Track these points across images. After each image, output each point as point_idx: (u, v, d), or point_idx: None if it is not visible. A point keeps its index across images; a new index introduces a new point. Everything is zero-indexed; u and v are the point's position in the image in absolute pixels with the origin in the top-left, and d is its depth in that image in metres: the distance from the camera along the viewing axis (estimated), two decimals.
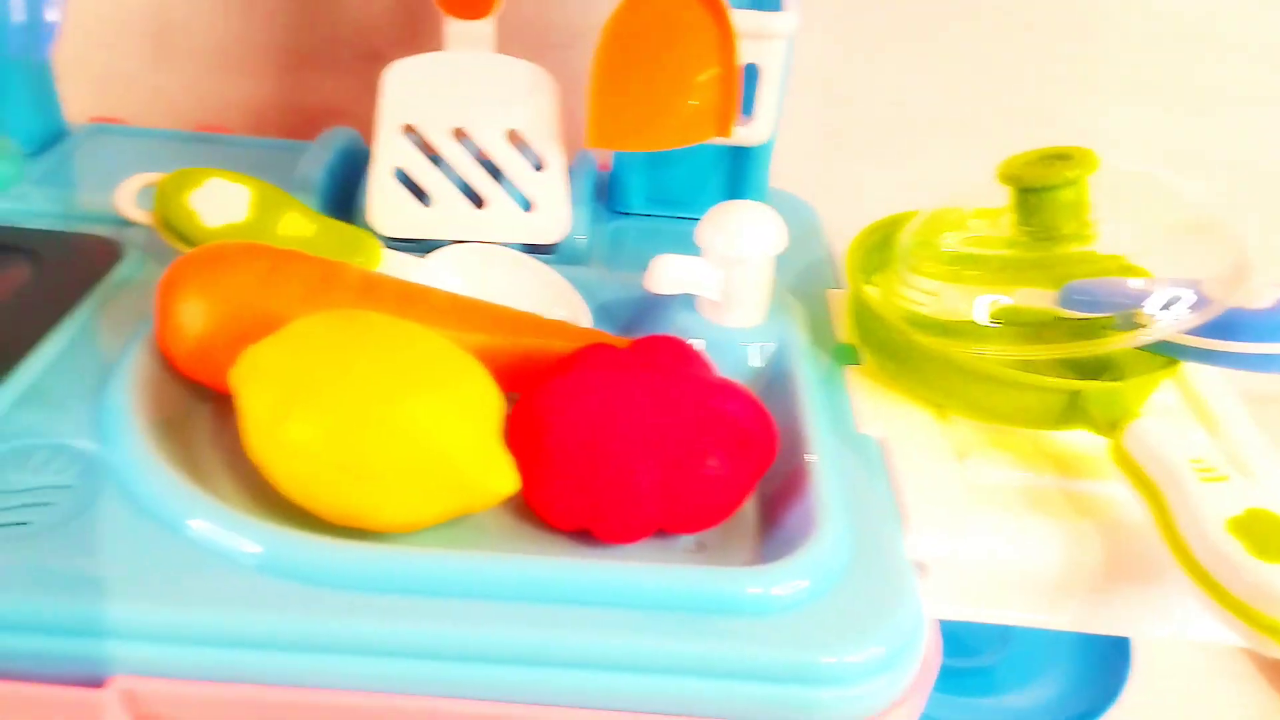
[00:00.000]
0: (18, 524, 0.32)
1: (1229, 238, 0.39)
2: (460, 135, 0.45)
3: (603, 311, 0.46)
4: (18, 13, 0.44)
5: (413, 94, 0.44)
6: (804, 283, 0.50)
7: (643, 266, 0.42)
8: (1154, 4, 0.61)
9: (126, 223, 0.46)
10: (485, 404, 0.34)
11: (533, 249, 0.48)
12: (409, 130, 0.45)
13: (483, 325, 0.39)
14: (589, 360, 0.37)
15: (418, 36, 0.67)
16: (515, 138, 0.45)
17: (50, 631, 0.30)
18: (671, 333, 0.41)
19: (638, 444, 0.34)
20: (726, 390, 0.36)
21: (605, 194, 0.56)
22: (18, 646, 0.30)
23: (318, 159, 0.51)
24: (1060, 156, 0.40)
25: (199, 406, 0.39)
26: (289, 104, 0.69)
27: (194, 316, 0.37)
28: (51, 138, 0.55)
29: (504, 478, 0.33)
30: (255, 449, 0.33)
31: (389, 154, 0.45)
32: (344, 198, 0.51)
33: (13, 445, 0.35)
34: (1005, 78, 0.64)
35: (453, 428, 0.33)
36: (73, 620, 0.30)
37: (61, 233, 0.46)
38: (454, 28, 0.42)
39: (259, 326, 0.36)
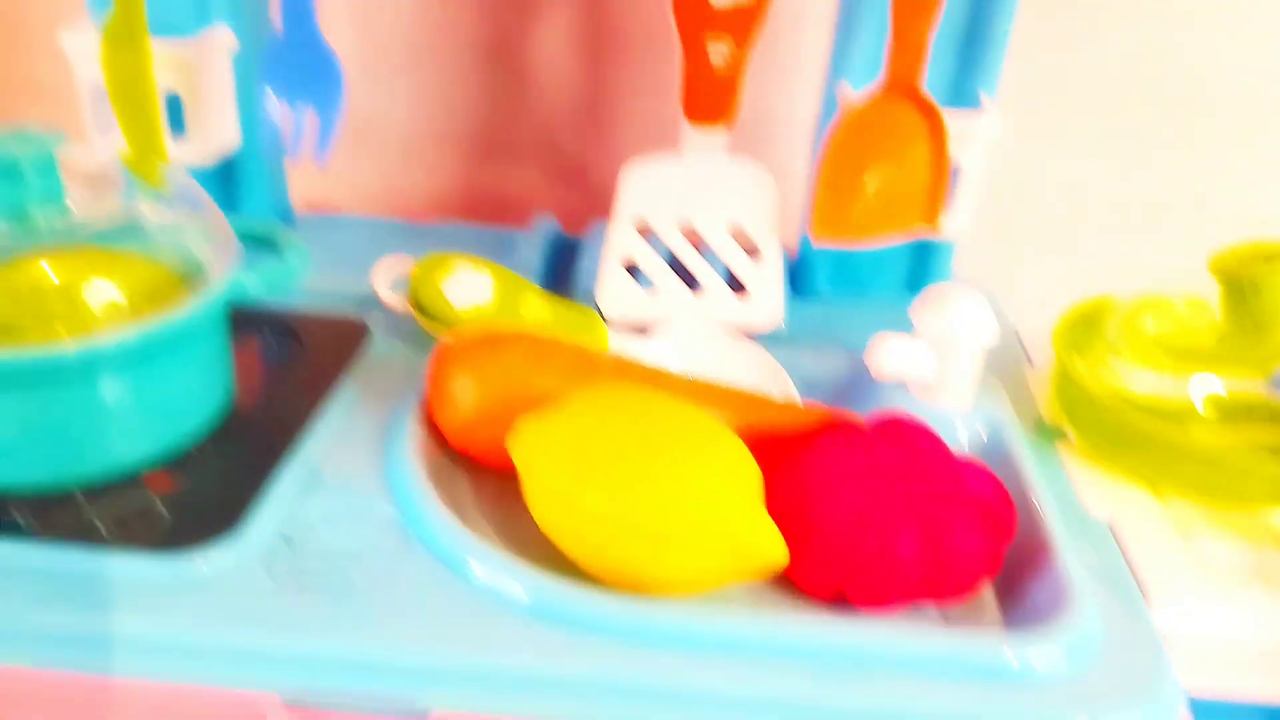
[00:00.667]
0: (339, 579, 0.35)
1: None
2: (686, 227, 0.49)
3: (807, 386, 0.48)
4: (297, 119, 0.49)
5: (648, 190, 0.47)
6: (994, 365, 0.52)
7: (834, 345, 0.45)
8: None
9: (367, 303, 0.51)
10: (752, 476, 0.37)
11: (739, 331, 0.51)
12: (640, 223, 0.48)
13: (723, 403, 0.42)
14: (839, 437, 0.39)
15: (597, 130, 0.72)
16: (735, 229, 0.49)
17: (372, 670, 0.33)
18: (903, 413, 0.44)
19: (896, 516, 0.36)
20: (970, 468, 0.38)
21: (793, 277, 0.59)
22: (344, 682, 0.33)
23: (536, 245, 0.55)
24: (1274, 254, 0.43)
25: (457, 475, 0.43)
26: (474, 190, 0.74)
27: (467, 393, 0.41)
28: (282, 220, 0.61)
29: (777, 548, 0.36)
30: (546, 514, 0.37)
31: (621, 244, 0.48)
32: (558, 280, 0.55)
33: (322, 506, 0.38)
34: (1175, 165, 0.66)
35: (732, 499, 0.36)
36: (391, 661, 0.33)
37: (316, 315, 0.50)
38: (691, 134, 0.46)
39: (524, 403, 0.40)
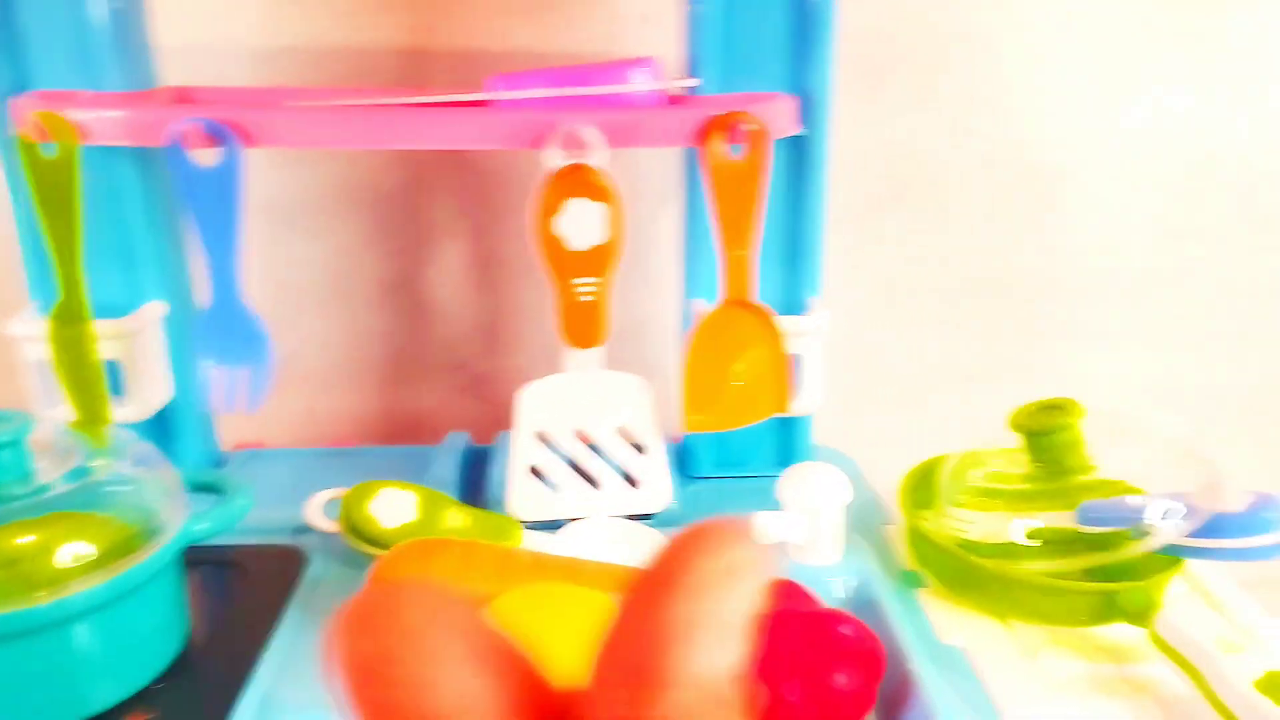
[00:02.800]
0: None
1: (1202, 457, 0.51)
2: (579, 434, 0.56)
3: None
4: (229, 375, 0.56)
5: (542, 407, 0.55)
6: (860, 523, 0.60)
7: None
8: (1113, 273, 0.76)
9: (301, 531, 0.56)
10: None
11: (635, 517, 0.58)
12: (540, 435, 0.56)
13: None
14: None
15: (495, 347, 0.80)
16: (622, 429, 0.57)
17: None
18: (779, 577, 0.51)
19: (780, 670, 0.43)
20: (839, 617, 0.45)
21: (679, 463, 0.67)
22: None
23: (448, 461, 0.62)
24: (1055, 406, 0.52)
25: None
26: (391, 412, 0.81)
27: None
28: (215, 465, 0.66)
29: None
30: None
31: (524, 454, 0.56)
32: (472, 490, 0.62)
33: None
34: (998, 335, 0.78)
35: None
36: None
37: (255, 546, 0.55)
38: (571, 354, 0.54)
39: None
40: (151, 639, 0.45)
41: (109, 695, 0.43)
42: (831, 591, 0.52)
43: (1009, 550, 0.52)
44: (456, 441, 0.65)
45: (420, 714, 0.15)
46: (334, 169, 0.75)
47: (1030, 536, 0.51)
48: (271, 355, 0.55)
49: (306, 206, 0.75)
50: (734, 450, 0.66)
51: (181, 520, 0.46)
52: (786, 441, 0.66)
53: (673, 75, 0.57)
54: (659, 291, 0.75)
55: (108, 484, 0.45)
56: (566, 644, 0.42)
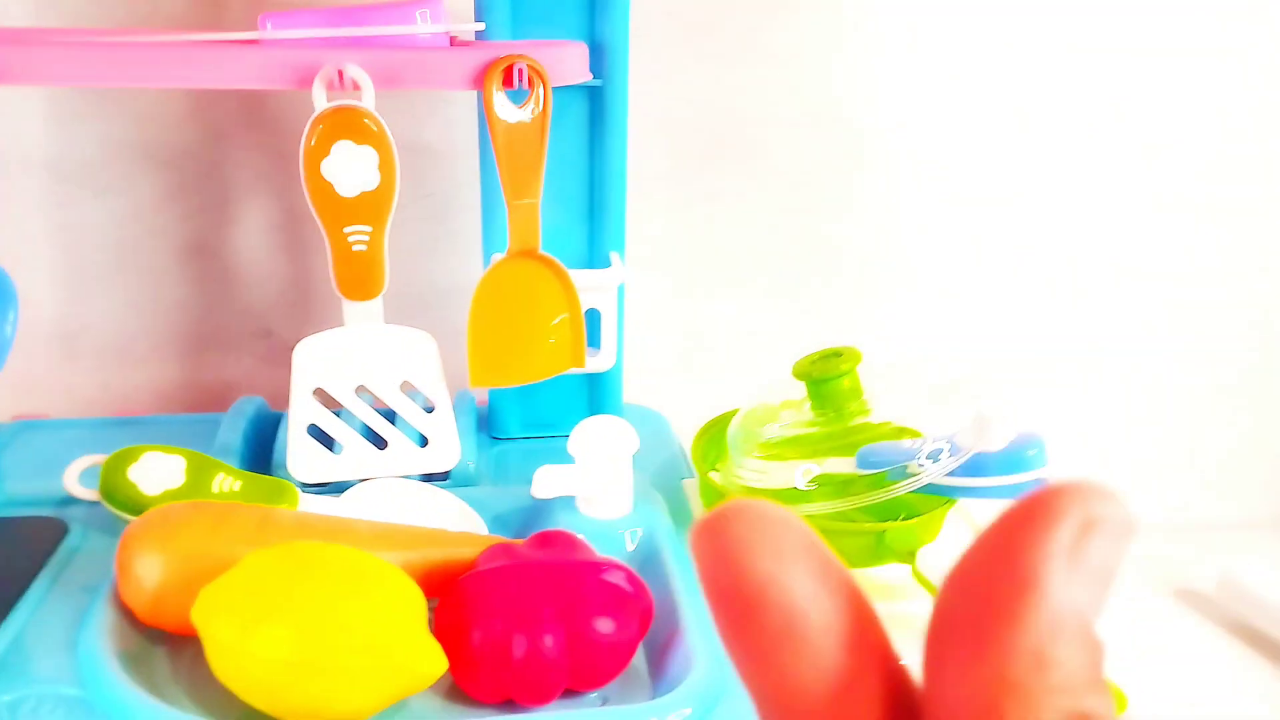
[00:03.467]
0: None
1: (971, 397, 0.52)
2: (361, 390, 0.54)
3: (497, 521, 0.54)
4: None
5: (319, 363, 0.53)
6: (661, 477, 0.60)
7: (526, 481, 0.51)
8: (925, 234, 0.78)
9: (67, 502, 0.53)
10: (411, 603, 0.42)
11: (429, 478, 0.56)
12: (318, 393, 0.54)
13: (399, 544, 0.47)
14: (493, 557, 0.45)
15: (305, 313, 0.77)
16: (407, 386, 0.55)
17: None
18: (557, 529, 0.50)
19: (542, 618, 0.42)
20: (607, 566, 0.45)
21: (486, 424, 0.66)
22: None
23: (234, 426, 0.59)
24: (835, 354, 0.53)
25: (154, 649, 0.45)
26: (193, 383, 0.77)
27: (151, 570, 0.44)
28: None
29: (433, 660, 0.41)
30: (223, 668, 0.40)
31: (302, 414, 0.53)
32: (262, 456, 0.59)
33: (7, 698, 0.40)
34: (814, 296, 0.78)
35: (391, 622, 0.40)
36: None
37: (12, 517, 0.52)
38: (350, 308, 0.52)
39: (209, 572, 0.43)
40: None
41: None
42: (618, 544, 0.52)
43: (794, 496, 0.52)
44: (246, 407, 0.62)
45: (777, 605, 0.15)
46: (122, 125, 0.70)
47: (812, 483, 0.51)
48: (15, 312, 0.51)
49: (93, 165, 0.71)
50: (541, 410, 0.65)
51: None
52: (595, 399, 0.65)
53: (459, 20, 0.56)
54: (472, 256, 0.73)
55: None
56: (320, 599, 0.41)
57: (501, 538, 0.49)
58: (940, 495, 0.50)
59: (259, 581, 0.41)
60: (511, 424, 0.65)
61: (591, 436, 0.51)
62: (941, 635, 0.16)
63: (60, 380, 0.75)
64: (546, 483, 0.51)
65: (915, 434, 0.52)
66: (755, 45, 0.74)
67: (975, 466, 0.48)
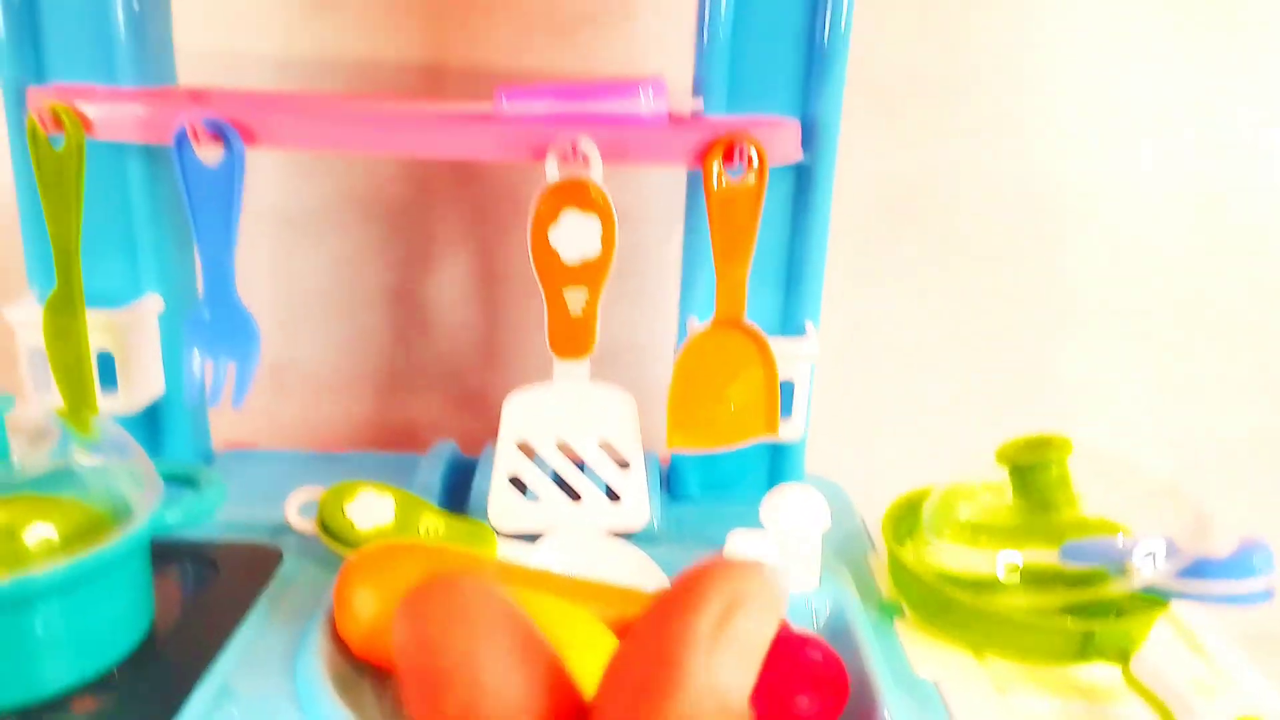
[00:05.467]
0: None
1: (1187, 500, 0.50)
2: (562, 446, 0.56)
3: None
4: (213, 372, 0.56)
5: (526, 416, 0.55)
6: (844, 550, 0.59)
7: (704, 542, 0.51)
8: (1117, 314, 0.76)
9: (280, 531, 0.56)
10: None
11: (614, 534, 0.57)
12: (522, 445, 0.56)
13: (598, 599, 0.48)
14: None
15: (492, 361, 0.80)
16: (605, 445, 0.56)
17: None
18: None
19: None
20: (805, 640, 0.44)
21: (666, 483, 0.66)
22: None
23: (434, 468, 0.62)
24: (1044, 442, 0.51)
25: (361, 681, 0.47)
26: (382, 421, 0.81)
27: (367, 605, 0.46)
28: (204, 462, 0.66)
29: None
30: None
31: (506, 463, 0.55)
32: (456, 498, 0.61)
33: (234, 718, 0.43)
34: (997, 371, 0.77)
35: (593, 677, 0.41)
36: None
37: (232, 543, 0.55)
38: (560, 365, 0.54)
39: None
40: (114, 625, 0.45)
41: (66, 678, 0.43)
42: (807, 617, 0.51)
43: (989, 584, 0.51)
44: (443, 450, 0.65)
45: (464, 684, 0.16)
46: (344, 179, 0.76)
47: (1011, 572, 0.50)
48: (258, 350, 0.55)
49: (314, 214, 0.76)
50: (723, 473, 0.65)
51: (151, 509, 0.46)
52: (777, 467, 0.65)
53: (680, 97, 0.58)
54: (662, 314, 0.75)
55: (79, 469, 0.45)
56: None
57: None
58: (1156, 597, 0.48)
59: None
60: (691, 485, 0.65)
61: (785, 506, 0.51)
62: (600, 716, 0.16)
63: (266, 410, 0.80)
64: (739, 547, 0.51)
65: (1122, 530, 0.50)
66: (946, 121, 0.74)
67: (1197, 570, 0.46)
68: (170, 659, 0.46)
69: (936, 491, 0.55)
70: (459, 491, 0.63)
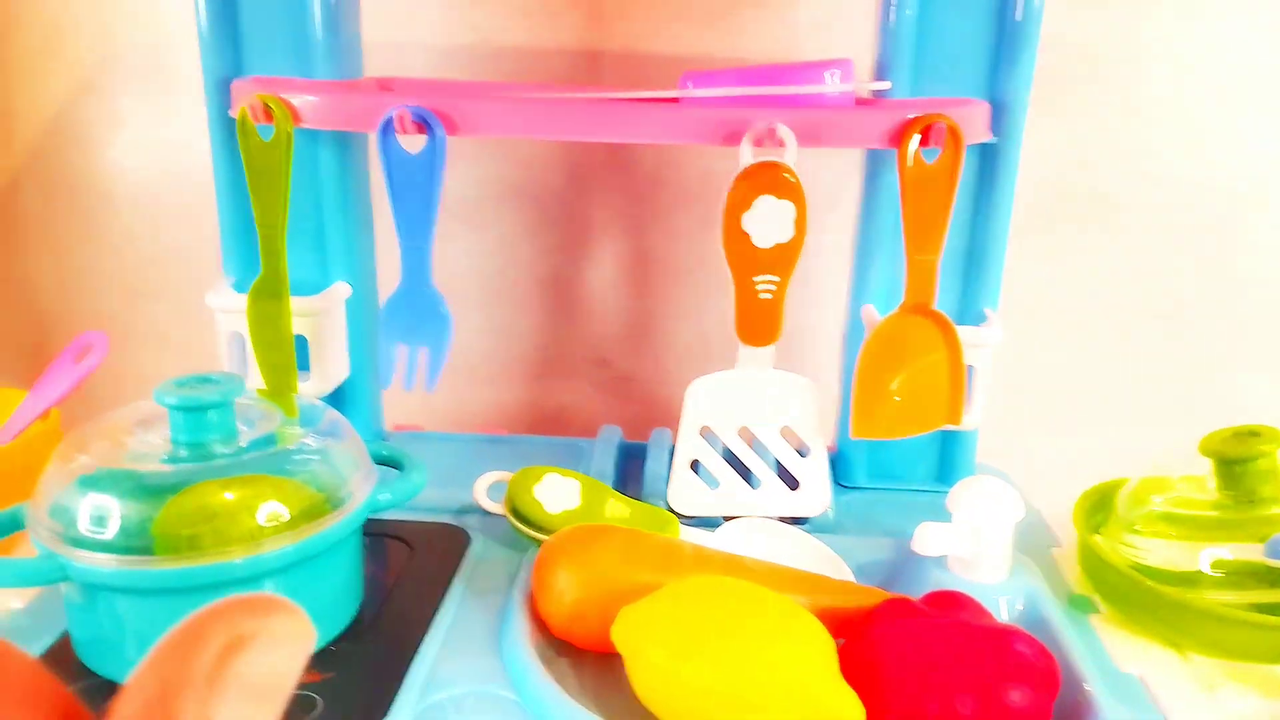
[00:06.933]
0: None
1: None
2: (743, 432, 0.56)
3: (860, 571, 0.55)
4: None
5: (709, 402, 0.55)
6: (1023, 543, 0.58)
7: (875, 530, 0.51)
8: None
9: (463, 511, 0.58)
10: (829, 648, 0.43)
11: (791, 521, 0.57)
12: (704, 430, 0.56)
13: (796, 586, 0.48)
14: (896, 612, 0.45)
15: (641, 347, 0.81)
16: (786, 432, 0.56)
17: None
18: (931, 589, 0.50)
19: (955, 679, 0.42)
20: (1016, 633, 0.44)
21: (833, 471, 0.66)
22: None
23: (606, 453, 0.63)
24: (1252, 433, 0.50)
25: (558, 660, 0.48)
26: (533, 405, 0.83)
27: (570, 586, 0.47)
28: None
29: (851, 709, 0.41)
30: (648, 689, 0.42)
31: (687, 448, 0.56)
32: (623, 484, 0.62)
33: (451, 693, 0.44)
34: (1165, 359, 0.75)
35: (814, 668, 0.41)
36: None
37: (421, 522, 0.57)
38: (744, 352, 0.55)
39: (622, 594, 0.46)
40: (331, 603, 0.47)
41: None
42: (997, 610, 0.51)
43: (1190, 579, 0.49)
44: (611, 435, 0.66)
45: None
46: (498, 167, 0.77)
47: (1214, 566, 0.49)
48: (451, 337, 0.57)
49: (469, 203, 0.78)
50: (891, 461, 0.65)
51: (368, 490, 0.47)
52: (948, 456, 0.64)
53: (860, 79, 0.57)
54: (818, 298, 0.74)
55: (300, 451, 0.47)
56: (748, 635, 0.42)
57: (893, 593, 0.50)
58: None
59: (686, 610, 0.43)
60: (859, 472, 0.65)
61: (975, 496, 0.51)
62: None
63: (420, 394, 0.82)
64: (929, 539, 0.51)
65: None
66: (1120, 102, 0.71)
67: None
68: (380, 636, 0.48)
69: (1132, 482, 0.53)
70: (626, 477, 0.64)
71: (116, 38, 0.75)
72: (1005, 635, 0.44)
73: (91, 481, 0.43)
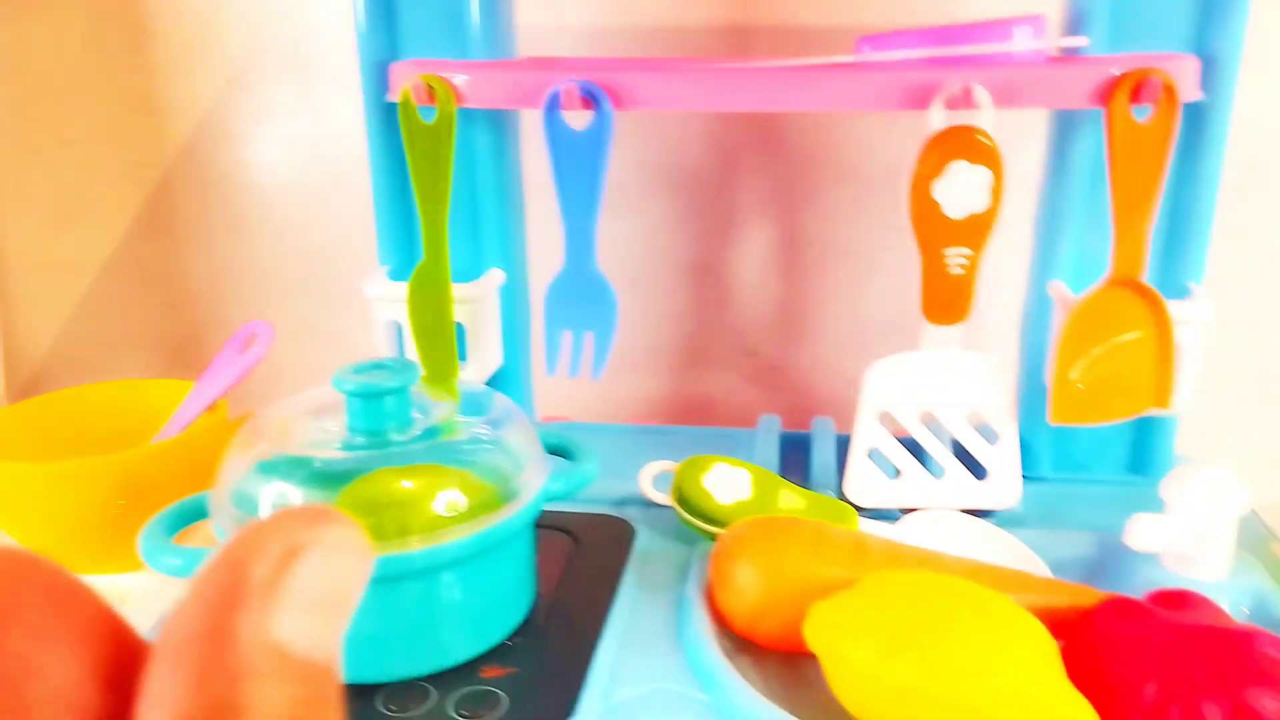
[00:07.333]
0: None
1: None
2: (928, 417, 0.53)
3: (1057, 567, 0.50)
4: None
5: (889, 386, 0.52)
6: (1240, 539, 0.53)
7: (1071, 525, 0.47)
8: None
9: (624, 502, 0.56)
10: (1051, 650, 0.39)
11: (975, 513, 0.54)
12: (883, 416, 0.53)
13: (1003, 583, 0.44)
14: (1122, 613, 0.41)
15: (791, 335, 0.78)
16: (972, 415, 0.53)
17: None
18: (1144, 587, 0.45)
19: (1198, 685, 0.38)
20: (1260, 634, 0.39)
21: None
22: None
23: (769, 442, 0.60)
24: None
25: (739, 658, 0.46)
26: (678, 395, 0.81)
27: (754, 582, 0.44)
28: None
29: (1083, 715, 0.37)
30: (848, 690, 0.39)
31: (865, 436, 0.53)
32: (790, 473, 0.59)
33: (637, 691, 0.42)
34: None
35: (1037, 672, 0.38)
36: None
37: (587, 514, 0.55)
38: (931, 331, 0.51)
39: (810, 591, 0.43)
40: (508, 596, 0.46)
41: (468, 648, 0.44)
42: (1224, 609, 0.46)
43: None
44: (771, 424, 0.63)
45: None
46: (645, 150, 0.75)
47: None
48: (616, 322, 0.55)
49: (619, 187, 0.75)
50: (1078, 451, 0.60)
51: (542, 480, 0.46)
52: (1142, 446, 0.59)
53: (1052, 35, 0.53)
54: (992, 273, 0.70)
55: (475, 440, 0.45)
56: (961, 634, 0.39)
57: (1108, 592, 0.45)
58: None
59: (890, 606, 0.40)
60: (1043, 462, 0.60)
61: (1197, 486, 0.46)
62: (151, 670, 0.14)
63: (567, 385, 0.81)
64: (1145, 533, 0.46)
65: None
66: None
67: None
68: (557, 631, 0.46)
69: None
70: (792, 467, 0.61)
71: (264, 31, 0.76)
72: (1249, 637, 0.39)
73: (271, 468, 0.42)
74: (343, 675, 0.15)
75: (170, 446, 0.56)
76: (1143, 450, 0.59)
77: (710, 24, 0.70)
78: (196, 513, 0.45)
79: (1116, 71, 0.46)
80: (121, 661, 0.15)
